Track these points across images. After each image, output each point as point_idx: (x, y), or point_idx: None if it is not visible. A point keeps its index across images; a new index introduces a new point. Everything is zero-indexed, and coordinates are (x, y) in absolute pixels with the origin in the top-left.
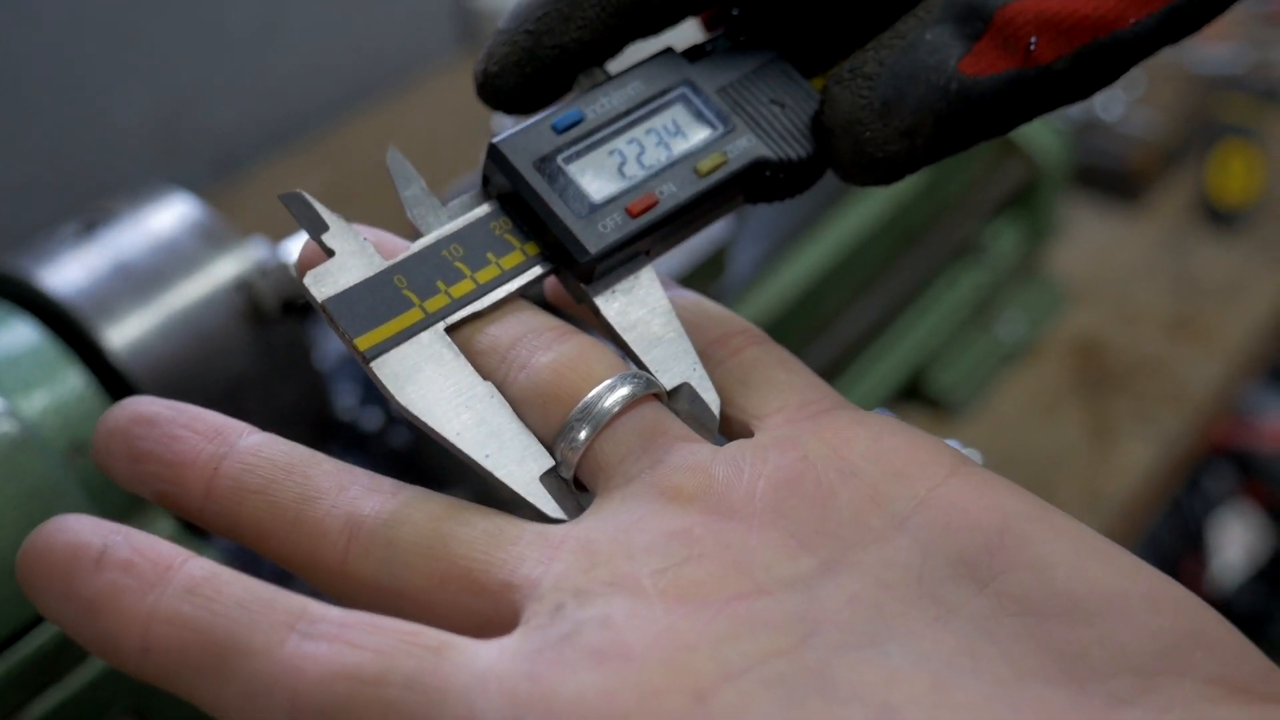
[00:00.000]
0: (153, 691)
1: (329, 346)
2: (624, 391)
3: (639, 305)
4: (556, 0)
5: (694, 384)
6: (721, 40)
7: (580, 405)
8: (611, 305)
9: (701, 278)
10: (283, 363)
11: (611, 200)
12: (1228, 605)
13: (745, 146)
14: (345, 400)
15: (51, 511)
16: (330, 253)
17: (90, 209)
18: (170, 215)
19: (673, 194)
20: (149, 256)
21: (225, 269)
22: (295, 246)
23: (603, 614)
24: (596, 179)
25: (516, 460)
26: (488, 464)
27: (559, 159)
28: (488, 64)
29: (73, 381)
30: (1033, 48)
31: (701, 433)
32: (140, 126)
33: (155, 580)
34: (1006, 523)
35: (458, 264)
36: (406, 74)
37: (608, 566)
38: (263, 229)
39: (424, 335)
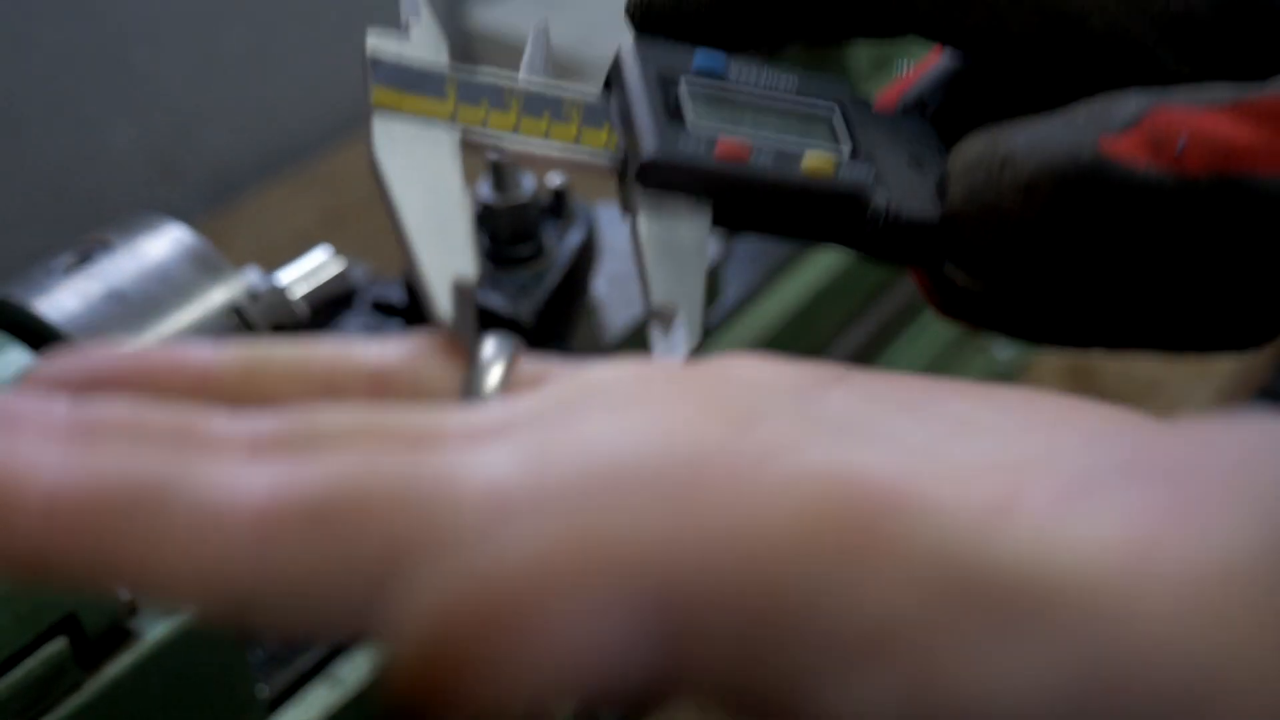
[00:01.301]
0: (145, 718)
1: None
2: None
3: (676, 234)
4: None
5: (679, 313)
6: (916, 111)
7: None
8: (651, 223)
9: None
10: None
11: (706, 132)
12: None
13: (860, 174)
14: None
15: None
16: (407, 34)
17: (85, 241)
18: (163, 243)
19: (764, 165)
20: (142, 283)
21: (217, 295)
22: (287, 275)
23: (597, 397)
24: (704, 117)
25: (443, 254)
26: (414, 241)
27: (682, 84)
28: None
29: None
30: (1180, 151)
31: (662, 357)
32: (135, 154)
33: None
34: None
35: (513, 102)
36: None
37: (576, 389)
38: (257, 255)
39: (439, 130)
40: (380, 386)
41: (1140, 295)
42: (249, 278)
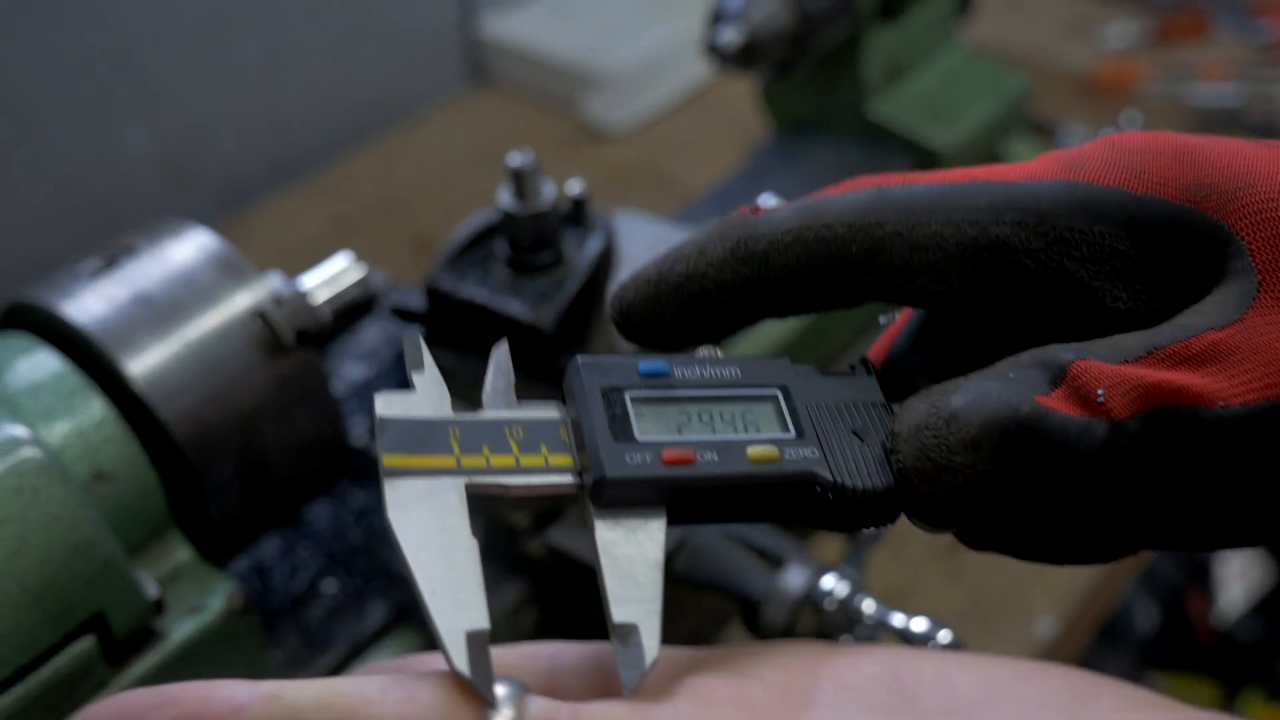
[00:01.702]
0: None
1: (342, 376)
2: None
3: (633, 546)
4: (696, 242)
5: (640, 629)
6: (860, 366)
7: None
8: (608, 533)
9: None
10: (298, 391)
11: (651, 443)
12: (1229, 637)
13: (804, 456)
14: (357, 429)
15: (71, 539)
16: (413, 388)
17: (110, 245)
18: (188, 248)
19: (711, 463)
20: (168, 288)
21: (241, 300)
22: (310, 280)
23: None
24: (650, 425)
25: (456, 607)
26: (429, 599)
27: (627, 394)
28: (622, 290)
29: (94, 410)
30: (1101, 400)
31: (624, 673)
32: (148, 160)
33: None
34: (893, 678)
35: (511, 440)
36: (414, 109)
37: None
38: (270, 262)
39: (445, 480)
40: None
41: (1114, 518)
42: (272, 283)
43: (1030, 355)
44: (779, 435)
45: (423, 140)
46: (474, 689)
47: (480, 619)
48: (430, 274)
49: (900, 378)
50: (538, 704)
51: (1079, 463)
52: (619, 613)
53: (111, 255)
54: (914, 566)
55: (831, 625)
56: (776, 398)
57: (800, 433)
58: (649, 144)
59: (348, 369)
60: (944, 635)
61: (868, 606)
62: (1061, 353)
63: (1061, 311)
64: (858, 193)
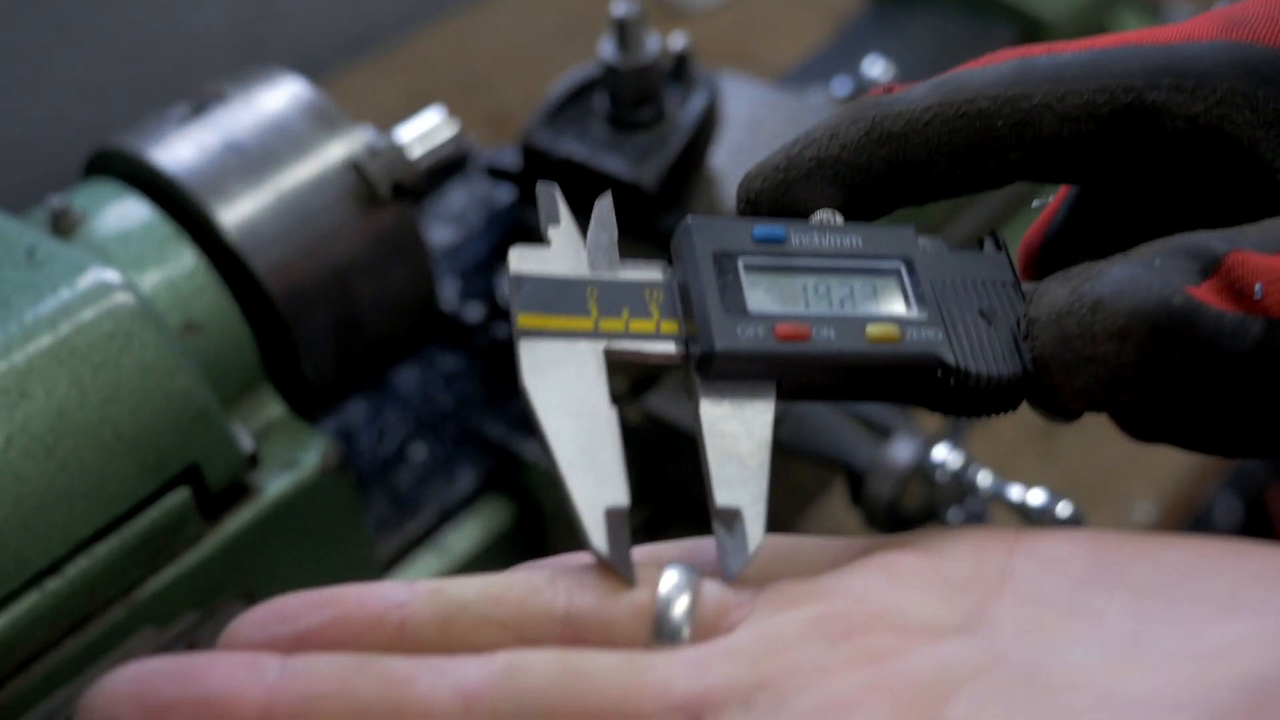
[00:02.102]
0: (264, 574)
1: (430, 239)
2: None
3: (739, 423)
4: (827, 125)
5: (745, 514)
6: (990, 241)
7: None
8: (713, 409)
9: None
10: (392, 247)
11: (765, 316)
12: None
13: (927, 338)
14: (447, 293)
15: (166, 388)
16: (549, 243)
17: (199, 91)
18: (280, 96)
19: (828, 340)
20: (260, 136)
21: (336, 150)
22: (405, 133)
23: (796, 688)
24: (764, 295)
25: (594, 483)
26: (566, 471)
27: (740, 261)
28: (748, 180)
29: (185, 259)
30: (1259, 296)
31: (726, 560)
32: (219, 32)
33: None
34: (1091, 553)
35: (652, 305)
36: None
37: (771, 660)
38: None
39: (583, 343)
40: (572, 630)
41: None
42: (366, 135)
43: (1177, 241)
44: (900, 313)
45: (500, 15)
46: (614, 569)
47: (620, 495)
48: (526, 130)
49: (1058, 262)
50: (712, 588)
51: (1229, 362)
52: (722, 496)
53: (201, 102)
54: (1007, 449)
55: (942, 498)
56: (899, 271)
57: (923, 311)
58: (731, 20)
59: (436, 231)
60: (1064, 508)
61: (983, 479)
62: (1213, 241)
63: (1222, 185)
64: (1000, 65)
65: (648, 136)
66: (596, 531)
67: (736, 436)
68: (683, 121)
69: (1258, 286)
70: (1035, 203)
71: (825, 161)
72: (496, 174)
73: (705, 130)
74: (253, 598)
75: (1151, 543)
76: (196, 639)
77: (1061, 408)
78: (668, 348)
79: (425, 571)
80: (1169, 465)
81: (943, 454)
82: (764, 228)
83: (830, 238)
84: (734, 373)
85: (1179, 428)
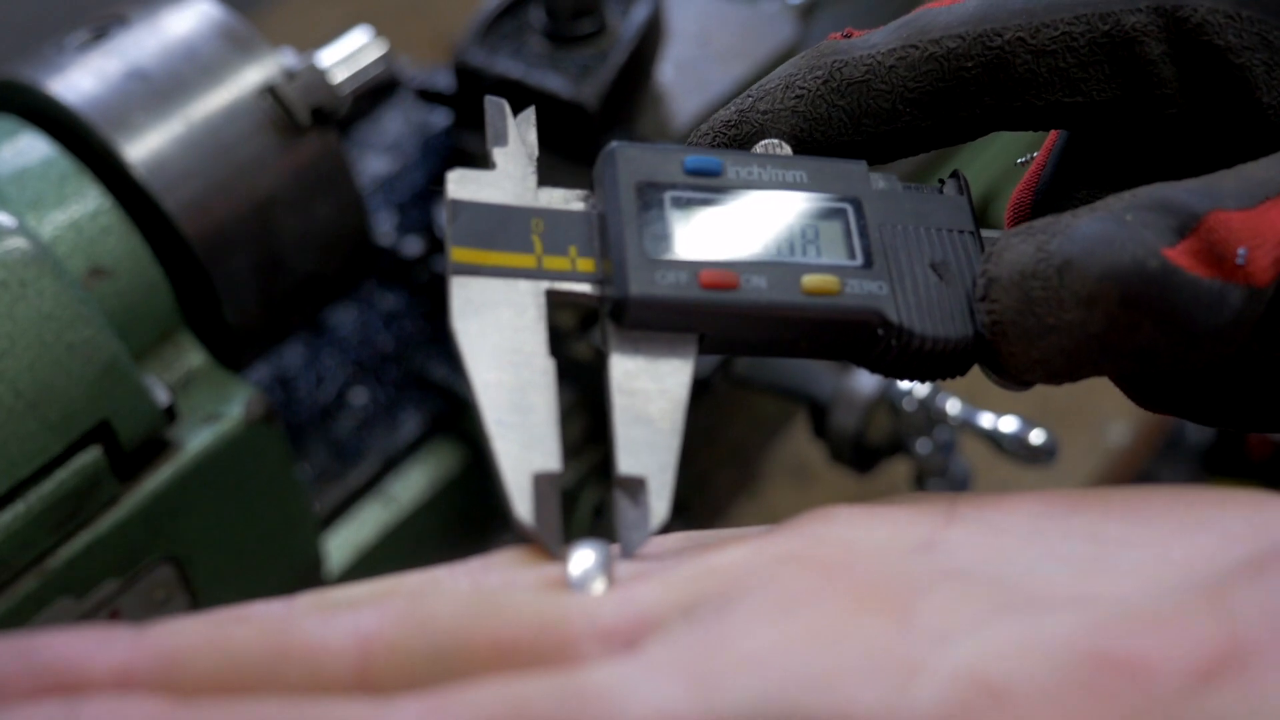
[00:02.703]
0: (189, 536)
1: (364, 169)
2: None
3: (653, 380)
4: (781, 76)
5: (650, 485)
6: (952, 182)
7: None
8: (625, 364)
9: None
10: (316, 178)
11: (689, 260)
12: None
13: (869, 291)
14: (383, 226)
15: (67, 339)
16: (493, 166)
17: (101, 16)
18: (188, 18)
19: (759, 290)
20: (167, 62)
21: (251, 76)
22: (326, 56)
23: (744, 592)
24: (690, 236)
25: (524, 444)
26: (493, 429)
27: (667, 194)
28: (695, 138)
29: (89, 199)
30: (1241, 261)
31: (624, 534)
32: None
33: None
34: (1038, 500)
35: (597, 242)
36: None
37: (711, 579)
38: None
39: (523, 283)
40: None
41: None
42: (285, 58)
43: (1151, 194)
44: (842, 262)
45: None
46: (539, 540)
47: (551, 458)
48: (458, 48)
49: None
50: (630, 569)
51: (1204, 336)
52: (626, 462)
53: (101, 27)
54: (975, 375)
55: (909, 428)
56: (846, 213)
57: (868, 261)
58: None
59: (369, 162)
60: (1037, 435)
61: (952, 407)
62: (1190, 197)
63: (1206, 115)
64: (967, 2)
65: (588, 52)
66: (522, 498)
67: (649, 395)
68: (625, 34)
69: (1240, 251)
70: (1020, 161)
71: (780, 115)
72: (428, 97)
73: (650, 44)
74: (178, 562)
75: (1095, 491)
76: (119, 607)
77: (1014, 376)
78: (583, 287)
79: (371, 523)
80: None
81: (909, 381)
82: (697, 158)
83: (772, 171)
84: (651, 323)
85: (1185, 400)
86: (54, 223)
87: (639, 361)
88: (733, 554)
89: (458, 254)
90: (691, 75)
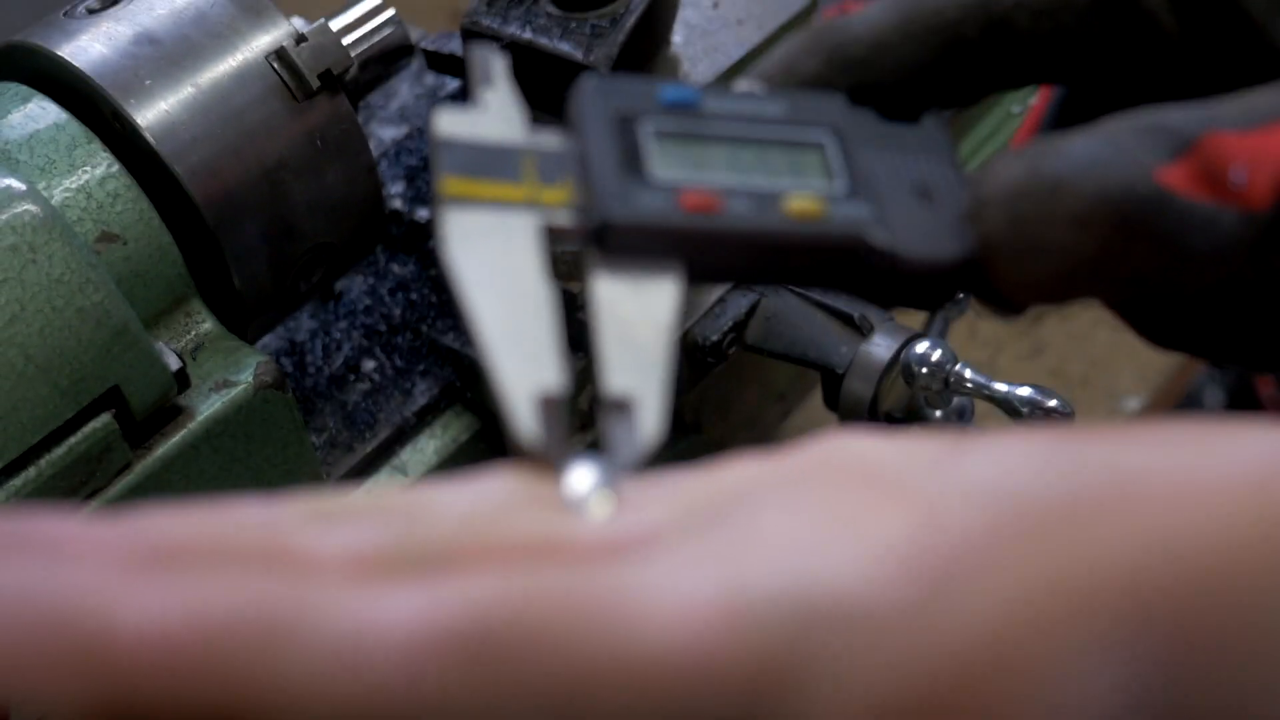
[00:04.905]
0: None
1: (375, 137)
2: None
3: (639, 306)
4: (780, 60)
5: (641, 404)
6: (931, 116)
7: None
8: (609, 289)
9: None
10: (328, 144)
11: (669, 185)
12: None
13: (854, 214)
14: (395, 193)
15: (78, 304)
16: (483, 107)
17: None
18: None
19: (741, 214)
20: (176, 27)
21: (261, 40)
22: (336, 22)
23: (759, 498)
24: (669, 161)
25: (524, 361)
26: (492, 351)
27: (643, 127)
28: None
29: (99, 164)
30: (1238, 181)
31: (614, 457)
32: None
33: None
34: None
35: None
36: None
37: (720, 492)
38: None
39: (517, 215)
40: None
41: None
42: (295, 24)
43: (1147, 117)
44: (825, 186)
45: None
46: (545, 459)
47: (555, 379)
48: (468, 13)
49: None
50: (635, 486)
51: (1195, 261)
52: (615, 381)
53: None
54: (993, 344)
55: (924, 397)
56: (826, 142)
57: (852, 186)
58: None
59: (382, 131)
60: (1053, 401)
61: (969, 375)
62: (1187, 119)
63: (1214, 60)
64: None
65: (599, 15)
66: (524, 416)
67: (635, 321)
68: None
69: (1238, 172)
70: (1016, 108)
71: None
72: (439, 62)
73: (661, 8)
74: None
75: (1110, 425)
76: None
77: (1006, 301)
78: (562, 220)
79: None
80: (1156, 355)
81: (925, 349)
82: (674, 89)
83: (751, 104)
84: (633, 247)
85: (1187, 333)
86: (64, 188)
87: (624, 288)
88: (743, 469)
89: (448, 185)
90: (703, 40)
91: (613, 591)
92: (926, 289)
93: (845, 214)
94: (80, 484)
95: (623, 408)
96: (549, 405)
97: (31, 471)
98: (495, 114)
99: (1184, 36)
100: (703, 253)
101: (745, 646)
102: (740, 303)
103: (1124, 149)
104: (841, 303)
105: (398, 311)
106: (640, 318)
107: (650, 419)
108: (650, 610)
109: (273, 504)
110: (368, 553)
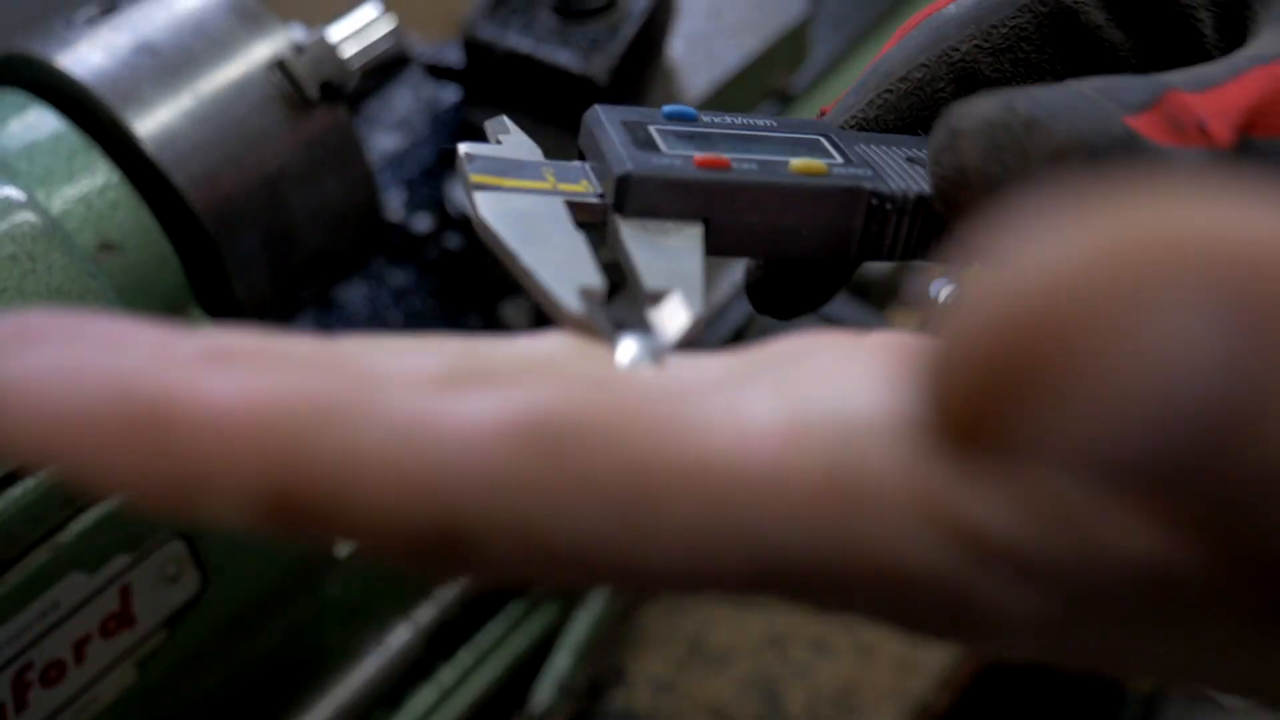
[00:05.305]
0: None
1: (373, 146)
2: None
3: (665, 253)
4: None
5: (681, 289)
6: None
7: None
8: (635, 235)
9: (781, 63)
10: (327, 153)
11: (681, 154)
12: None
13: (855, 173)
14: (393, 203)
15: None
16: (498, 143)
17: None
18: None
19: (750, 171)
20: (175, 35)
21: (260, 50)
22: (335, 31)
23: (799, 354)
24: (677, 145)
25: (563, 268)
26: (532, 263)
27: (651, 127)
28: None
29: (98, 173)
30: (1203, 129)
31: (661, 336)
32: None
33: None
34: None
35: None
36: None
37: (761, 353)
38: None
39: (543, 197)
40: None
41: None
42: (294, 33)
43: (1106, 79)
44: (825, 160)
45: None
46: (593, 331)
47: (594, 278)
48: (467, 22)
49: None
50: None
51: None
52: (653, 280)
53: (110, 1)
54: None
55: None
56: (821, 139)
57: (849, 161)
58: None
59: (379, 140)
60: None
61: None
62: (1144, 82)
63: (1164, 61)
64: (913, 32)
65: (598, 26)
66: (570, 298)
67: (663, 246)
68: (635, 8)
69: (1201, 121)
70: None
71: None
72: (438, 72)
73: (660, 18)
74: (189, 538)
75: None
76: (129, 582)
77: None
78: (588, 198)
79: None
80: None
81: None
82: (672, 107)
83: (743, 119)
84: (653, 204)
85: None
86: (63, 197)
87: (646, 235)
88: (787, 340)
89: (477, 178)
90: (702, 49)
91: (679, 411)
92: (923, 226)
93: (848, 173)
94: (79, 492)
95: (661, 297)
96: (591, 294)
97: (30, 480)
98: (514, 148)
99: (1136, 50)
100: (718, 207)
101: (810, 459)
102: (736, 315)
103: (1088, 98)
104: (838, 312)
105: (396, 319)
106: (668, 246)
107: (692, 298)
108: (716, 426)
109: (329, 338)
110: (432, 371)
